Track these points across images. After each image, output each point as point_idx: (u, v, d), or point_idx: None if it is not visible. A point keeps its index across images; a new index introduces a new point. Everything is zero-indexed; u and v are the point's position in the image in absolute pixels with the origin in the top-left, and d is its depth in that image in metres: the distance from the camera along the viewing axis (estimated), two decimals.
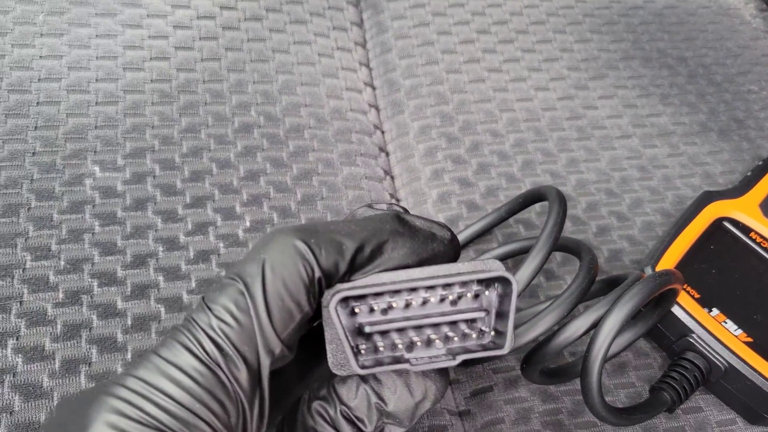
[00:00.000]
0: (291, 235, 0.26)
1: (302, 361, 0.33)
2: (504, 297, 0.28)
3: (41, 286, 0.41)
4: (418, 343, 0.28)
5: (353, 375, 0.28)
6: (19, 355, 0.38)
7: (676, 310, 0.43)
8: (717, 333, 0.42)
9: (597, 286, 0.42)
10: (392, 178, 0.56)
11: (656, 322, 0.42)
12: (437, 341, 0.28)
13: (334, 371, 0.27)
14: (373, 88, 0.61)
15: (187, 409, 0.24)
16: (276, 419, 0.31)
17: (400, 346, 0.28)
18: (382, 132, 0.58)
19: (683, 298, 0.43)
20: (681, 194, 0.56)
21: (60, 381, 0.38)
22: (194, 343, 0.25)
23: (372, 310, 0.27)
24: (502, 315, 0.28)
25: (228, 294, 0.25)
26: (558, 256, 0.50)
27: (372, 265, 0.27)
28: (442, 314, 0.28)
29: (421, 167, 0.55)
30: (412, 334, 0.28)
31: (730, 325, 0.42)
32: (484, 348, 0.28)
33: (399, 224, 0.28)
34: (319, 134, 0.54)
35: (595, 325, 0.35)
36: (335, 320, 0.26)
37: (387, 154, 0.57)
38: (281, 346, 0.26)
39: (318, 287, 0.26)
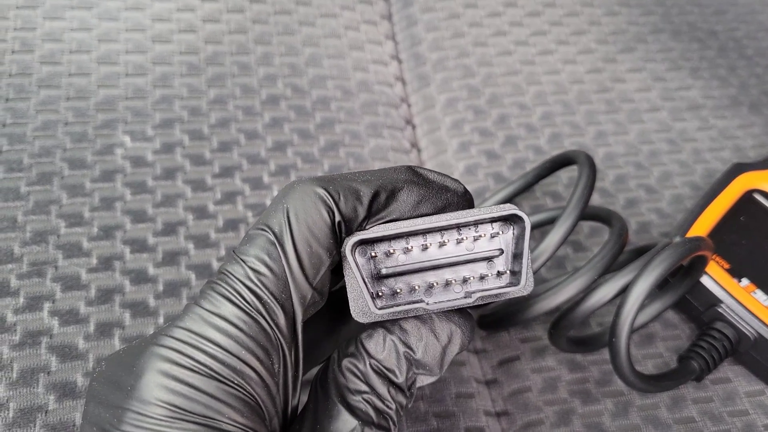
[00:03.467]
0: (310, 183, 0.27)
1: (330, 317, 0.33)
2: (520, 238, 0.28)
3: (75, 252, 0.42)
4: (436, 285, 0.28)
5: (379, 328, 0.28)
6: (55, 318, 0.39)
7: (705, 280, 0.43)
8: (746, 303, 0.42)
9: (625, 257, 0.42)
10: (419, 150, 0.56)
11: (685, 291, 0.42)
12: (455, 283, 0.29)
13: (356, 318, 0.27)
14: (399, 62, 0.61)
15: (235, 355, 0.25)
16: (306, 372, 0.32)
17: (417, 288, 0.28)
18: (409, 105, 0.58)
19: (712, 268, 0.43)
20: (711, 168, 0.55)
21: (95, 343, 0.39)
22: (234, 294, 0.25)
23: (390, 254, 0.28)
24: (518, 256, 0.28)
25: (259, 245, 0.26)
26: (586, 228, 0.50)
27: (387, 210, 0.27)
28: (458, 255, 0.28)
29: (447, 140, 0.55)
30: (429, 277, 0.29)
31: (760, 295, 0.42)
32: (501, 287, 0.28)
33: (413, 174, 0.29)
34: (345, 106, 0.54)
35: (624, 291, 0.35)
36: (351, 263, 0.26)
37: (413, 127, 0.57)
38: (312, 291, 0.27)
39: (339, 232, 0.27)
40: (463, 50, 0.60)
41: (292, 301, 0.26)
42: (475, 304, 0.28)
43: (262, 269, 0.26)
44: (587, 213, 0.42)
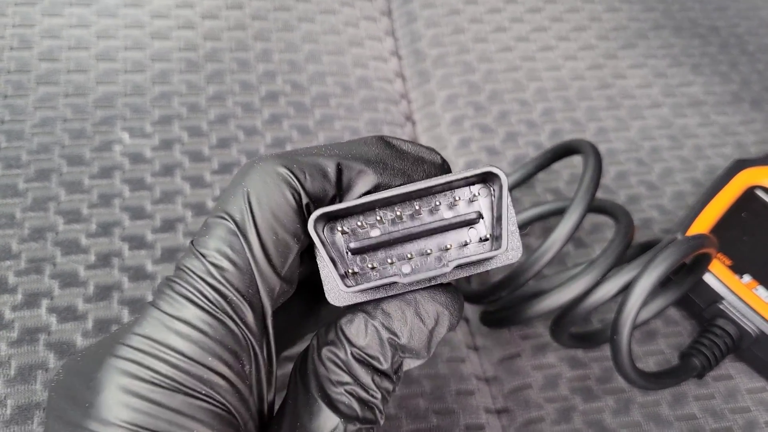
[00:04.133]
0: (272, 162, 0.24)
1: (306, 298, 0.31)
2: (500, 200, 0.25)
3: (73, 248, 0.42)
4: (412, 258, 0.26)
5: (359, 312, 0.26)
6: (54, 315, 0.39)
7: (707, 277, 0.42)
8: (748, 300, 0.41)
9: (628, 252, 0.42)
10: None
11: (688, 288, 0.42)
12: (432, 254, 0.26)
13: (331, 301, 0.25)
14: (399, 58, 0.60)
15: (200, 363, 0.23)
16: (282, 354, 0.30)
17: (393, 263, 0.26)
18: (409, 101, 0.58)
19: (714, 264, 0.42)
20: (712, 164, 0.55)
21: (93, 340, 0.38)
22: (195, 294, 0.23)
23: (361, 228, 0.25)
24: (500, 219, 0.25)
25: (219, 235, 0.24)
26: (587, 224, 0.50)
27: (359, 186, 0.25)
28: (434, 222, 0.26)
29: (448, 136, 0.55)
30: (405, 250, 0.26)
31: (762, 291, 0.42)
32: (481, 253, 0.25)
33: (385, 146, 0.26)
34: (345, 103, 0.54)
35: (627, 287, 0.35)
36: (316, 240, 0.24)
37: (413, 123, 0.57)
38: (280, 282, 0.24)
39: (307, 214, 0.25)
40: (463, 46, 0.60)
41: (260, 296, 0.24)
42: (456, 276, 0.26)
43: (225, 264, 0.23)
44: (594, 206, 0.42)
